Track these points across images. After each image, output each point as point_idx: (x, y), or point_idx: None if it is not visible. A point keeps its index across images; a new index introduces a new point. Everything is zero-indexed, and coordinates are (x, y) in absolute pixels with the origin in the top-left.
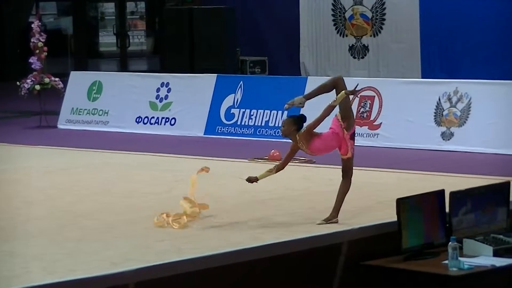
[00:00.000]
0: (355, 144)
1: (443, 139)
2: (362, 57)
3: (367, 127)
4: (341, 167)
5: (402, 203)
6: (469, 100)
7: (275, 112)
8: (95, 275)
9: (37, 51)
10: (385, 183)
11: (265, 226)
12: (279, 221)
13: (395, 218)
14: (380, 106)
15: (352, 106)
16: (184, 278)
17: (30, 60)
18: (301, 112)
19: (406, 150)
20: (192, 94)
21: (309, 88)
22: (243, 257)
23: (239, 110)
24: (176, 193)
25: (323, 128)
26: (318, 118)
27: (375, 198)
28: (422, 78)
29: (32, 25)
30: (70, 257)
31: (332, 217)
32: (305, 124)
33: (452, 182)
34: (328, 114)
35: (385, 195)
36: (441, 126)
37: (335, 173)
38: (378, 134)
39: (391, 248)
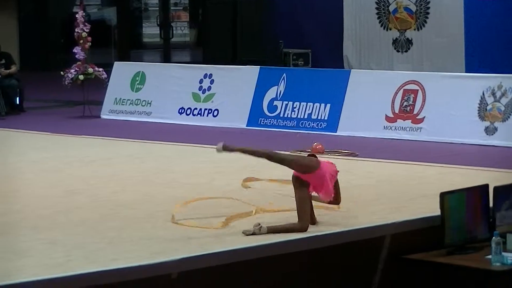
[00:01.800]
0: None
1: (487, 134)
2: (406, 51)
3: (410, 121)
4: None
5: (446, 197)
6: None
7: (318, 104)
8: (137, 265)
9: (81, 41)
10: (428, 177)
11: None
12: (320, 214)
13: (438, 212)
14: (424, 100)
15: (395, 100)
16: (227, 268)
17: (74, 50)
18: None
19: (449, 145)
20: (235, 86)
21: (352, 81)
22: (285, 249)
23: (282, 102)
24: (216, 183)
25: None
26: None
27: (418, 192)
28: (466, 72)
29: (76, 16)
30: (112, 246)
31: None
32: None
33: (496, 177)
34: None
35: (428, 189)
36: (485, 120)
37: (376, 166)
38: (421, 128)
39: (434, 242)
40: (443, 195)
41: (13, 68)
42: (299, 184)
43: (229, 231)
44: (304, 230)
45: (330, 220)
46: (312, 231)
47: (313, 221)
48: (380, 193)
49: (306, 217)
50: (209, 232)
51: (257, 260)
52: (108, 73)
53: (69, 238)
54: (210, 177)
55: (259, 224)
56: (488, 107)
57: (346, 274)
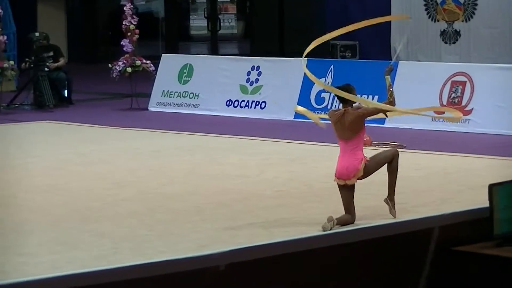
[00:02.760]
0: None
1: None
2: (454, 42)
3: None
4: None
5: (495, 189)
6: None
7: (365, 96)
8: (185, 257)
9: (129, 34)
10: (476, 168)
11: (356, 211)
12: (369, 205)
13: (487, 204)
14: (472, 92)
15: (444, 91)
16: (274, 261)
17: (122, 43)
18: None
19: (497, 136)
20: (282, 78)
21: (400, 73)
22: (333, 241)
23: (329, 94)
24: (265, 176)
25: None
26: (378, 107)
27: (467, 183)
28: None
29: (124, 8)
30: (160, 239)
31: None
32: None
33: None
34: (385, 109)
35: (477, 180)
36: None
37: (424, 158)
38: (469, 120)
39: (483, 234)
40: (491, 187)
41: (62, 61)
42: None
43: (277, 223)
44: (353, 221)
45: (379, 212)
46: (361, 223)
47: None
48: (428, 185)
49: (353, 209)
50: (256, 225)
51: (304, 252)
52: (156, 65)
53: (117, 230)
54: (258, 169)
55: (332, 219)
56: None
57: (395, 266)
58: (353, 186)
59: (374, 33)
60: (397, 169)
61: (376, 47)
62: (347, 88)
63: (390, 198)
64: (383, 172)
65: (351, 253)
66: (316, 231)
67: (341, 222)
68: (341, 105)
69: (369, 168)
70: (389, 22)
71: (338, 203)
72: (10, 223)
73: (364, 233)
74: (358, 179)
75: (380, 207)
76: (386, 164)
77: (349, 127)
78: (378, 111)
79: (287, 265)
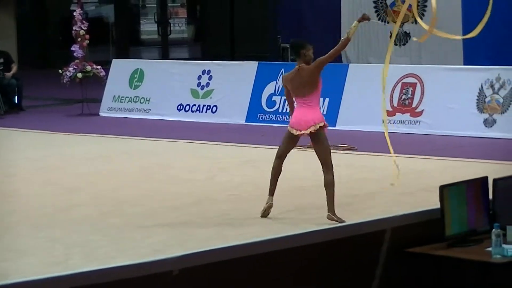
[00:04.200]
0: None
1: (486, 126)
2: (404, 44)
3: (409, 114)
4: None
5: (445, 190)
6: None
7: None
8: (138, 262)
9: (79, 39)
10: (427, 170)
11: (307, 213)
12: (320, 208)
13: (438, 205)
14: (422, 93)
15: (394, 93)
16: (229, 265)
17: (72, 48)
18: None
19: (448, 137)
20: (233, 82)
21: (350, 75)
22: (284, 245)
23: (281, 98)
24: (218, 179)
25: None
26: (333, 51)
27: (418, 185)
28: (464, 65)
29: (74, 13)
30: (112, 244)
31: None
32: None
33: (495, 169)
34: (343, 48)
35: (428, 182)
36: (484, 113)
37: (375, 160)
38: (420, 121)
39: (435, 235)
40: (442, 188)
41: (14, 68)
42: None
43: (230, 227)
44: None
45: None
46: (312, 226)
47: None
48: (380, 187)
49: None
50: (209, 229)
51: (257, 256)
52: (107, 70)
53: (69, 236)
54: (211, 173)
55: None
56: (487, 99)
57: (347, 268)
58: (298, 138)
59: (324, 35)
60: (334, 184)
61: (327, 49)
62: (301, 43)
63: (332, 213)
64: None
65: (303, 256)
66: (268, 235)
67: (271, 191)
68: None
69: (321, 139)
70: (339, 24)
71: (292, 207)
72: None
73: (316, 236)
74: (310, 132)
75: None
76: (323, 178)
77: (306, 82)
78: (333, 55)
79: (240, 269)
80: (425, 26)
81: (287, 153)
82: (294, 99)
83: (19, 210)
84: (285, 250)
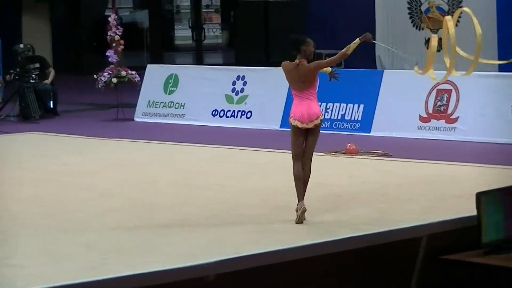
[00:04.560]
0: None
1: None
2: (439, 50)
3: (444, 120)
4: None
5: (482, 197)
6: None
7: (351, 105)
8: (174, 267)
9: (114, 45)
10: (463, 177)
11: (342, 220)
12: (356, 214)
13: (474, 212)
14: (457, 100)
15: (429, 100)
16: (264, 270)
17: (107, 54)
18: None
19: (483, 144)
20: (268, 87)
21: (385, 81)
22: (321, 251)
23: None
24: (252, 185)
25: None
26: (331, 60)
27: (454, 192)
28: (499, 71)
29: (109, 19)
30: (147, 249)
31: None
32: None
33: None
34: (340, 60)
35: (464, 189)
36: None
37: (410, 166)
38: (455, 128)
39: (471, 242)
40: (479, 195)
41: (52, 74)
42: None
43: (265, 233)
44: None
45: (366, 221)
46: (347, 232)
47: None
48: (414, 194)
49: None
50: (244, 235)
51: (294, 262)
52: (141, 76)
53: (104, 241)
54: (245, 178)
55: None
56: None
57: (383, 275)
58: (304, 131)
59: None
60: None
61: (361, 56)
62: (302, 39)
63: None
64: (370, 181)
65: (341, 262)
66: (305, 241)
67: (300, 196)
68: None
69: (318, 132)
70: (373, 30)
71: (327, 214)
72: None
73: (353, 242)
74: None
75: (368, 216)
76: (304, 169)
77: (302, 78)
78: (330, 62)
79: (276, 275)
80: (465, 55)
81: (302, 151)
82: (291, 90)
83: (54, 214)
84: (320, 257)
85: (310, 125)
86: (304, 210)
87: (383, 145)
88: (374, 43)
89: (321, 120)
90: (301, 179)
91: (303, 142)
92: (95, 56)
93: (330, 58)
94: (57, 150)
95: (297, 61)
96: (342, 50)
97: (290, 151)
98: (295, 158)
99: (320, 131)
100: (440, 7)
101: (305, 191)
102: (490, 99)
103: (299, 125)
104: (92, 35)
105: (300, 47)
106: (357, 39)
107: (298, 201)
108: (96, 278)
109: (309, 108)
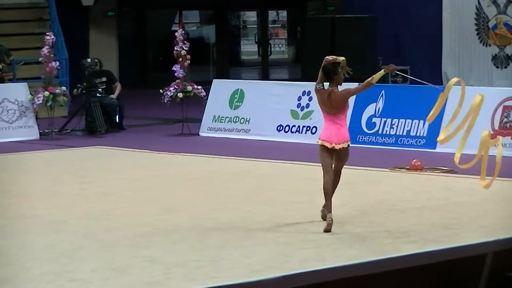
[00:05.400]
0: None
1: None
2: (505, 67)
3: (511, 137)
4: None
5: None
6: None
7: (417, 121)
8: (236, 282)
9: (180, 59)
10: None
11: (407, 236)
12: (420, 230)
13: None
14: None
15: (495, 116)
16: (326, 287)
17: (173, 68)
18: None
19: None
20: None
21: (451, 97)
22: (384, 267)
23: (380, 119)
24: (318, 202)
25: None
26: (357, 88)
27: None
28: None
29: (176, 34)
30: (211, 264)
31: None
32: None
33: None
34: (365, 89)
35: None
36: None
37: (476, 183)
38: None
39: None
40: None
41: (118, 88)
42: None
43: (328, 249)
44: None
45: (430, 237)
46: (414, 248)
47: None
48: (481, 210)
49: (330, 170)
50: (308, 250)
51: (357, 278)
52: (207, 90)
53: (168, 256)
54: (310, 195)
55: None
56: None
57: None
58: (332, 152)
59: (425, 57)
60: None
61: (427, 72)
62: (333, 69)
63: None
64: (435, 198)
65: (405, 278)
66: (367, 257)
67: (328, 207)
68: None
69: (347, 156)
70: (440, 46)
71: (391, 229)
72: (61, 248)
73: (418, 259)
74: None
75: (433, 232)
76: (334, 183)
77: (334, 105)
78: (357, 91)
79: None
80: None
81: (331, 166)
82: (322, 112)
83: (118, 229)
84: (382, 273)
85: (337, 147)
86: (331, 223)
87: (448, 162)
88: (397, 73)
89: (348, 145)
90: (329, 194)
91: (331, 162)
92: (162, 71)
93: (357, 87)
94: (122, 164)
95: (329, 88)
96: (367, 80)
97: (360, 167)
98: (324, 172)
99: (385, 147)
100: (508, 23)
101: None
102: None
103: (328, 145)
104: (159, 50)
105: (333, 77)
106: (382, 70)
107: (327, 213)
108: None
109: (338, 132)
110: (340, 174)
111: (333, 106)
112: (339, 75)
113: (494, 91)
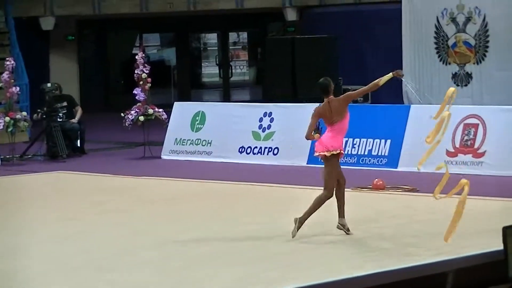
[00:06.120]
0: None
1: None
2: (466, 85)
3: (471, 155)
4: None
5: (509, 231)
6: None
7: (378, 140)
8: None
9: (141, 83)
10: (490, 211)
11: (368, 255)
12: (382, 249)
13: (501, 247)
14: (484, 134)
15: (456, 134)
16: None
17: (134, 92)
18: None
19: (511, 178)
20: (295, 124)
21: (412, 116)
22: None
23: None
24: (280, 222)
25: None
26: (363, 89)
27: (481, 226)
28: None
29: (136, 57)
30: (176, 286)
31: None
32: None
33: None
34: (371, 90)
35: (491, 223)
36: None
37: (438, 201)
38: (482, 162)
39: (498, 277)
40: (505, 230)
41: (79, 112)
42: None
43: (293, 270)
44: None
45: (391, 256)
46: (373, 267)
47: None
48: (442, 229)
49: (331, 184)
50: (275, 271)
51: None
52: (168, 113)
53: (133, 279)
54: (272, 216)
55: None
56: None
57: None
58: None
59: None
60: (320, 202)
61: (388, 91)
62: (327, 83)
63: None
64: (397, 216)
65: None
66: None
67: (306, 215)
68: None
69: (329, 164)
70: (400, 65)
71: (353, 249)
72: (24, 274)
73: (379, 278)
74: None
75: (393, 251)
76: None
77: (336, 111)
78: (361, 93)
79: None
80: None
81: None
82: (326, 125)
83: (82, 253)
84: None
85: (320, 154)
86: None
87: (410, 180)
88: (402, 80)
89: (333, 153)
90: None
91: (337, 169)
92: (124, 94)
93: (361, 88)
94: (85, 189)
95: (326, 100)
96: (375, 81)
97: (322, 188)
98: (330, 185)
99: (347, 167)
100: (467, 41)
101: (309, 211)
102: None
103: (315, 154)
104: (120, 73)
105: (329, 89)
106: (390, 73)
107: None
108: None
109: (326, 139)
110: (327, 186)
111: (333, 113)
112: (333, 87)
113: (455, 109)
